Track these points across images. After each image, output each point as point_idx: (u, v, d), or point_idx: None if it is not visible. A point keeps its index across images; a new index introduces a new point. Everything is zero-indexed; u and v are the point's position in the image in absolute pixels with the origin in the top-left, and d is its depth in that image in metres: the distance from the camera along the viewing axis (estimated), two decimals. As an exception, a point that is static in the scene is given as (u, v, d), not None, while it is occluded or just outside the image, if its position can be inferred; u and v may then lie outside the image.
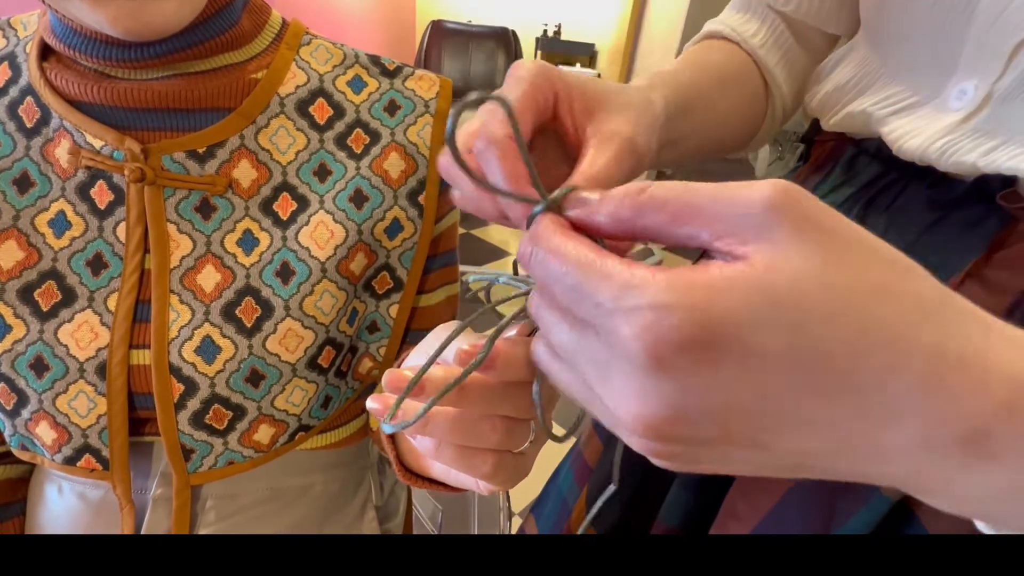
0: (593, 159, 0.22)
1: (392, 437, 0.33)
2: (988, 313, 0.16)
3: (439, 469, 0.29)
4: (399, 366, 0.31)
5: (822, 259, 0.14)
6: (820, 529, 0.31)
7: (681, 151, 0.36)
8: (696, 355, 0.14)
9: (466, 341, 0.21)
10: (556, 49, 3.73)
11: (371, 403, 0.22)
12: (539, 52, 3.80)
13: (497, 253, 2.61)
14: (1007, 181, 0.29)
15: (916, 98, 0.33)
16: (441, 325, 0.27)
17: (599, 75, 3.94)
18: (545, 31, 3.80)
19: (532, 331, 0.22)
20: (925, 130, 0.31)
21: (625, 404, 0.15)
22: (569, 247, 0.17)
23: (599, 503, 0.28)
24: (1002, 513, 0.17)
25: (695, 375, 0.14)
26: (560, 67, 0.25)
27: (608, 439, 0.52)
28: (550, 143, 0.25)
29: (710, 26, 0.43)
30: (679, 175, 2.93)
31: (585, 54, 3.68)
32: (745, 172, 3.09)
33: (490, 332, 0.21)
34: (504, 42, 3.25)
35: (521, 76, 0.23)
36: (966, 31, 0.29)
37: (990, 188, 0.29)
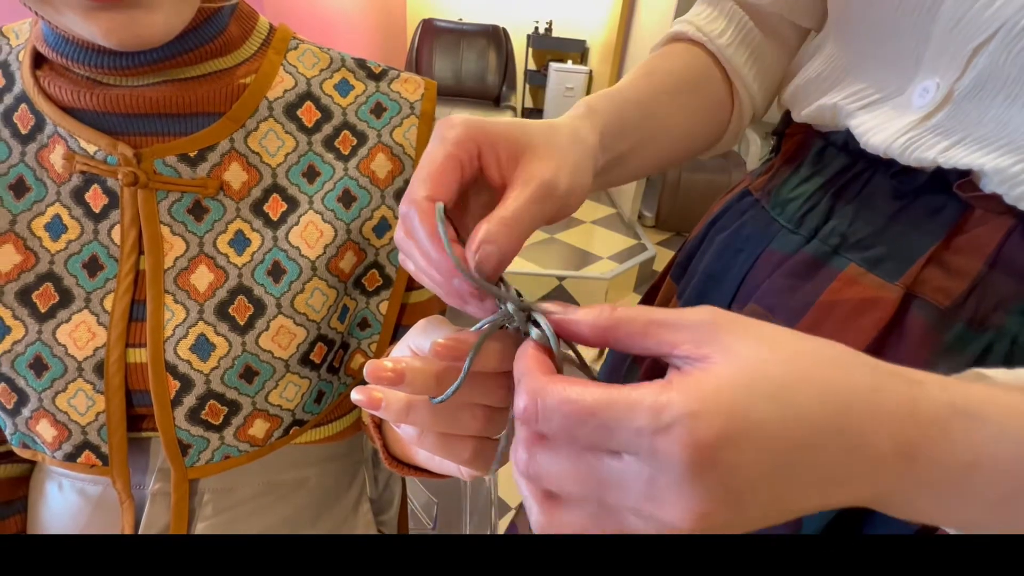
0: (509, 202, 0.24)
1: (379, 427, 0.34)
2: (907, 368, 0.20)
3: (423, 456, 0.30)
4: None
5: (767, 347, 0.18)
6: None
7: (633, 167, 0.38)
8: (725, 446, 0.16)
9: (441, 334, 0.23)
10: (547, 46, 3.74)
11: (355, 395, 0.23)
12: (530, 49, 3.81)
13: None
14: (963, 172, 0.30)
15: (883, 94, 0.34)
16: (424, 319, 0.28)
17: (590, 72, 3.93)
18: (536, 28, 3.81)
19: (502, 326, 0.23)
20: (890, 126, 0.33)
21: (682, 509, 0.17)
22: (583, 392, 0.18)
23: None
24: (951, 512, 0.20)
25: (729, 462, 0.17)
26: (523, 123, 0.27)
27: None
28: (483, 193, 0.27)
29: (676, 26, 0.44)
30: (671, 169, 2.94)
31: (576, 51, 3.69)
32: (737, 165, 3.09)
33: (485, 328, 0.23)
34: (495, 40, 3.26)
35: (444, 137, 0.25)
36: (930, 30, 0.30)
37: (948, 178, 0.31)
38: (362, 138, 0.42)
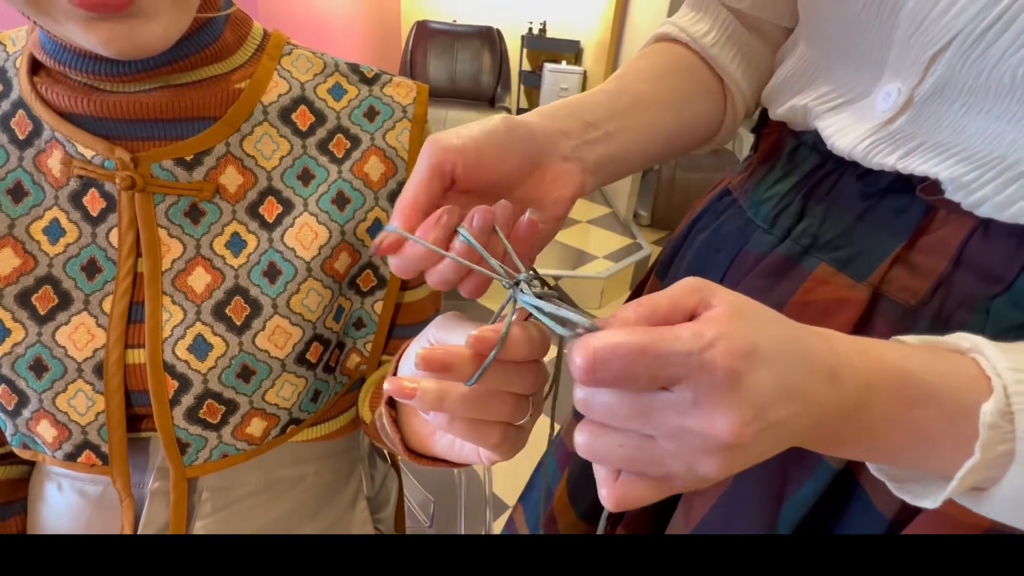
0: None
1: (396, 421, 0.35)
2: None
3: (442, 446, 0.32)
4: (398, 359, 0.34)
5: (743, 296, 0.22)
6: (776, 495, 0.34)
7: (623, 148, 0.37)
8: (753, 356, 0.20)
9: (460, 329, 0.25)
10: (541, 47, 3.75)
11: (387, 386, 0.25)
12: (525, 50, 3.82)
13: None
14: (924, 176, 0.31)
15: (849, 96, 0.35)
16: (442, 315, 0.29)
17: (585, 72, 3.94)
18: (530, 29, 3.82)
19: (527, 316, 0.25)
20: (854, 129, 0.33)
21: (721, 420, 0.20)
22: (631, 333, 0.20)
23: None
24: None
25: (756, 372, 0.20)
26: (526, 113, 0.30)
27: None
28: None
29: (662, 28, 0.44)
30: (666, 168, 2.95)
31: (570, 51, 3.70)
32: (731, 163, 3.11)
33: (507, 316, 0.24)
34: (489, 41, 3.27)
35: (420, 161, 0.28)
36: (892, 35, 0.31)
37: (912, 180, 0.32)
38: (355, 141, 0.43)
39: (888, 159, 0.31)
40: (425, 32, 3.26)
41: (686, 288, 0.22)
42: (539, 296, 0.24)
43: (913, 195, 0.32)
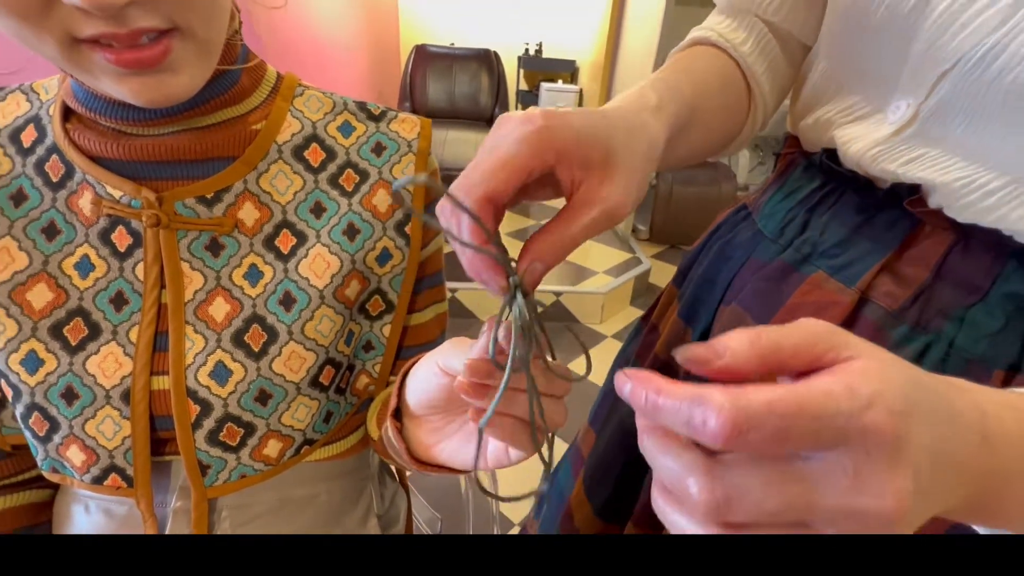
0: (569, 224, 0.24)
1: (400, 431, 0.38)
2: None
3: (445, 455, 0.35)
4: (402, 376, 0.38)
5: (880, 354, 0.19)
6: None
7: (668, 162, 0.38)
8: (909, 418, 0.17)
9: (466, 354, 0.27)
10: (538, 67, 3.82)
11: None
12: (521, 70, 3.89)
13: (488, 268, 2.66)
14: (913, 189, 0.34)
15: (867, 109, 0.38)
16: (451, 340, 0.32)
17: (580, 90, 3.99)
18: (527, 50, 3.89)
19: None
20: (866, 137, 0.37)
21: (889, 489, 0.17)
22: (780, 392, 0.17)
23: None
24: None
25: (913, 434, 0.17)
26: (563, 109, 0.25)
27: (600, 429, 0.57)
28: (547, 183, 0.26)
29: (697, 32, 0.45)
30: (663, 183, 2.99)
31: (567, 70, 3.77)
32: (727, 177, 3.14)
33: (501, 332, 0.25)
34: (487, 63, 3.33)
35: (522, 138, 0.23)
36: (908, 53, 0.34)
37: (901, 195, 0.35)
38: (364, 175, 0.46)
39: (891, 165, 0.35)
40: (424, 55, 3.33)
41: (811, 331, 0.19)
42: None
43: (903, 210, 0.35)
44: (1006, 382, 0.31)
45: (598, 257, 2.77)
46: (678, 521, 0.19)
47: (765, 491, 0.17)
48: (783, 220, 0.43)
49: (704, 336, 0.46)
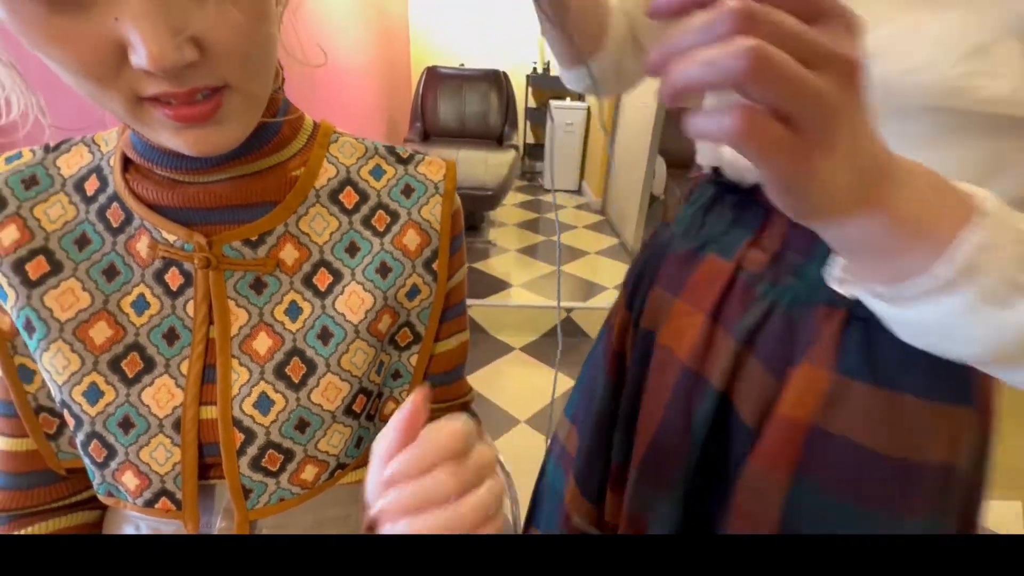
0: None
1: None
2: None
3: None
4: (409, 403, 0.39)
5: None
6: (685, 422, 0.51)
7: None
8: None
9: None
10: (547, 85, 3.89)
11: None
12: (530, 88, 3.95)
13: (499, 285, 2.69)
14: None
15: None
16: (444, 417, 0.34)
17: (589, 107, 4.03)
18: (535, 68, 3.96)
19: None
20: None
21: (856, 48, 0.23)
22: None
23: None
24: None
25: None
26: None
27: (582, 430, 0.66)
28: None
29: None
30: (671, 198, 3.02)
31: (574, 89, 3.83)
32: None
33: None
34: (496, 83, 3.40)
35: None
36: None
37: (760, 190, 0.46)
38: (395, 216, 0.49)
39: (752, 171, 0.45)
40: (435, 76, 3.40)
41: None
42: None
43: (761, 201, 0.49)
44: (845, 321, 0.42)
45: (608, 273, 2.79)
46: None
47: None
48: (689, 223, 0.57)
49: (639, 317, 0.60)
